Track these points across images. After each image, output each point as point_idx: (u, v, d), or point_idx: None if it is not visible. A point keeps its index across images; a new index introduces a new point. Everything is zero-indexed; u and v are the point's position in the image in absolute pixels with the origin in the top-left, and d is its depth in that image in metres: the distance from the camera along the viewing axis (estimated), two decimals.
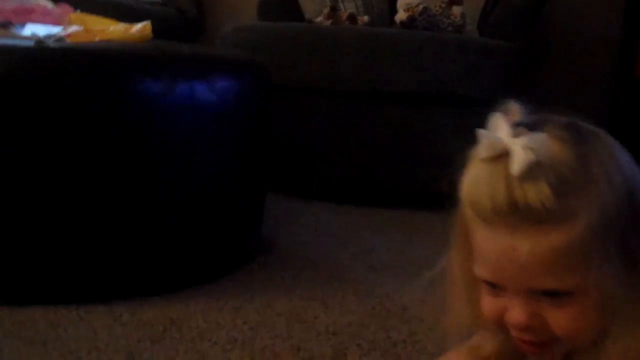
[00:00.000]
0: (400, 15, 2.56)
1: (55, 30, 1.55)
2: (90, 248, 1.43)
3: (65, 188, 1.38)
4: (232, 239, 1.69)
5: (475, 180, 0.79)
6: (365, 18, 2.82)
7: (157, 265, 1.51)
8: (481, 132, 0.78)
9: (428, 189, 2.32)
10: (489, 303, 0.81)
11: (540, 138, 0.74)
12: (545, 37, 3.03)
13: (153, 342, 1.30)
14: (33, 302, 1.40)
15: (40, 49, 1.34)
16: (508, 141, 0.75)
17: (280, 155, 2.23)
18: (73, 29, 1.57)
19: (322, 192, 2.32)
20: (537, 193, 0.74)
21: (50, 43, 1.42)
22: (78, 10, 1.84)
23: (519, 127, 0.76)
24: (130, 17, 2.01)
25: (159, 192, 1.48)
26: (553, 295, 0.76)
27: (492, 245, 0.77)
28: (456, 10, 2.54)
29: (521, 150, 0.74)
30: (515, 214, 0.74)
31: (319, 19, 2.78)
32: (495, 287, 0.79)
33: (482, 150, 0.78)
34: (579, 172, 0.75)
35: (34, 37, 1.47)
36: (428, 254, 1.77)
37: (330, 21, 2.70)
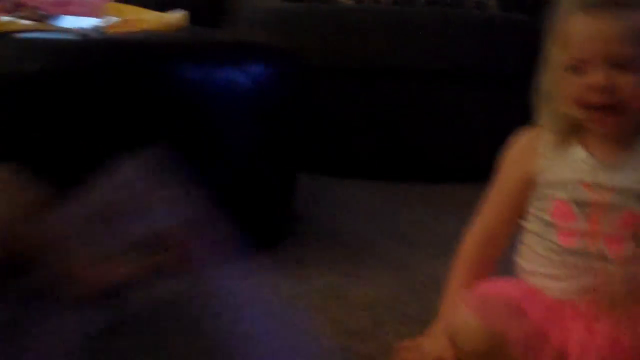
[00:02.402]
0: None
1: (96, 21, 1.61)
2: None
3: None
4: (265, 216, 1.75)
5: None
6: None
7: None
8: None
9: (457, 164, 2.39)
10: (573, 84, 1.09)
11: None
12: None
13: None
14: None
15: (87, 42, 1.40)
16: None
17: (311, 134, 2.28)
18: (112, 20, 1.63)
19: (352, 169, 2.37)
20: None
21: (94, 35, 1.48)
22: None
23: None
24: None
25: (195, 173, 1.53)
26: (622, 67, 1.06)
27: (589, 27, 1.08)
28: None
29: None
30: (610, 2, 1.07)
31: None
32: (578, 70, 1.08)
33: None
34: None
35: (78, 30, 1.53)
36: (458, 227, 1.81)
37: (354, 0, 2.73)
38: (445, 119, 2.33)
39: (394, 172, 2.35)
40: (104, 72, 1.38)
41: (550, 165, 1.16)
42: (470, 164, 2.19)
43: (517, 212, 1.20)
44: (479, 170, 1.84)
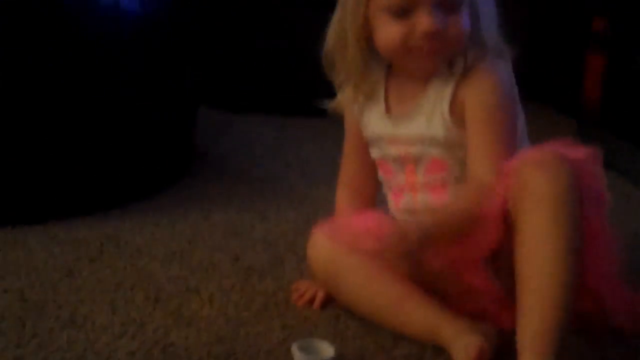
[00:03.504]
0: None
1: None
2: (23, 167, 1.42)
3: None
4: (165, 153, 1.69)
5: None
6: None
7: (91, 182, 1.51)
8: None
9: None
10: (394, 31, 1.07)
11: None
12: None
13: (91, 259, 1.31)
14: None
15: None
16: None
17: (211, 68, 2.20)
18: None
19: (253, 103, 2.31)
20: None
21: None
22: None
23: None
24: None
25: (89, 106, 1.46)
26: (448, 8, 1.06)
27: None
28: None
29: None
30: None
31: None
32: (401, 14, 1.06)
33: None
34: None
35: None
36: None
37: None
38: None
39: (295, 107, 2.30)
40: None
41: (364, 122, 1.19)
42: None
43: (373, 165, 1.22)
44: None
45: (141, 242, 1.40)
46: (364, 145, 1.22)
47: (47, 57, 1.39)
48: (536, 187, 0.97)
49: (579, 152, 1.03)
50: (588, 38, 2.37)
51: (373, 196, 1.26)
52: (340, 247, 1.13)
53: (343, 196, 1.27)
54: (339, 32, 1.13)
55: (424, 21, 1.05)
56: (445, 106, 1.09)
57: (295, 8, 2.26)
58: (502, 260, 1.06)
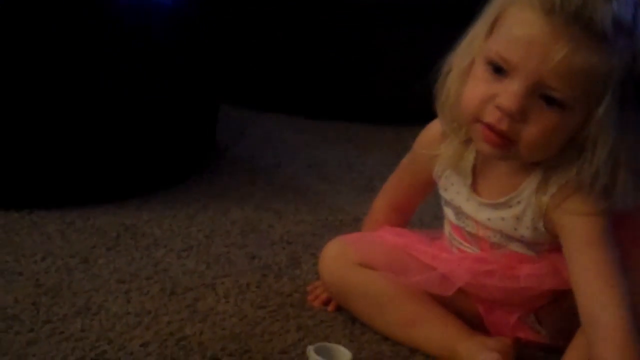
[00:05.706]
0: None
1: None
2: (42, 152, 1.42)
3: (18, 89, 1.36)
4: (185, 147, 1.68)
5: None
6: None
7: (110, 171, 1.50)
8: None
9: (382, 103, 2.35)
10: (480, 89, 0.90)
11: None
12: None
13: (108, 248, 1.31)
14: None
15: None
16: None
17: (233, 65, 2.20)
18: None
19: (275, 103, 2.31)
20: (605, 14, 0.83)
21: None
22: None
23: None
24: None
25: (112, 96, 1.45)
26: (548, 101, 0.87)
27: (538, 30, 0.85)
28: None
29: None
30: (576, 19, 0.83)
31: None
32: (500, 72, 0.88)
33: None
34: (636, 21, 0.87)
35: None
36: (379, 167, 1.79)
37: None
38: (373, 57, 2.26)
39: (320, 109, 2.29)
40: None
41: (442, 182, 1.07)
42: (398, 106, 2.16)
43: (425, 190, 1.16)
44: (406, 112, 1.81)
45: (158, 233, 1.39)
46: (424, 183, 1.12)
47: (76, 47, 1.38)
48: None
49: None
50: None
51: (411, 214, 1.22)
52: (351, 264, 1.10)
53: (381, 204, 1.21)
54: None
55: (504, 94, 0.87)
56: (539, 220, 0.97)
57: (322, 11, 2.25)
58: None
